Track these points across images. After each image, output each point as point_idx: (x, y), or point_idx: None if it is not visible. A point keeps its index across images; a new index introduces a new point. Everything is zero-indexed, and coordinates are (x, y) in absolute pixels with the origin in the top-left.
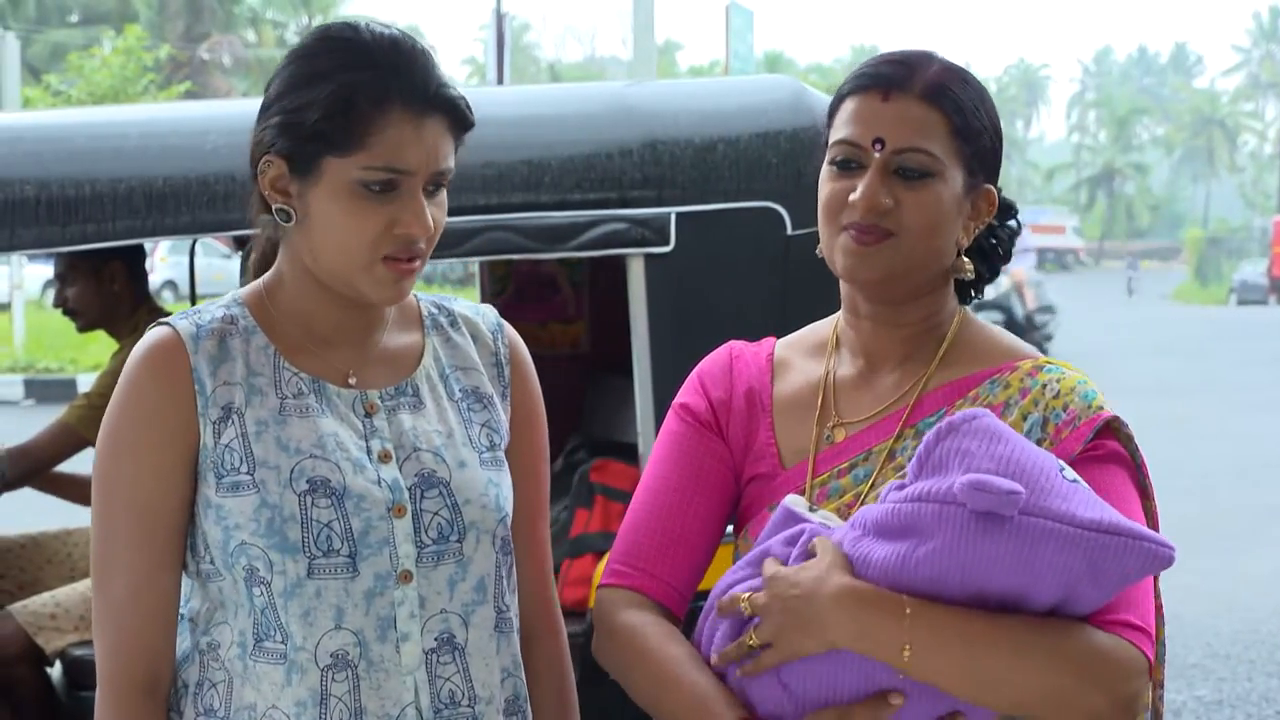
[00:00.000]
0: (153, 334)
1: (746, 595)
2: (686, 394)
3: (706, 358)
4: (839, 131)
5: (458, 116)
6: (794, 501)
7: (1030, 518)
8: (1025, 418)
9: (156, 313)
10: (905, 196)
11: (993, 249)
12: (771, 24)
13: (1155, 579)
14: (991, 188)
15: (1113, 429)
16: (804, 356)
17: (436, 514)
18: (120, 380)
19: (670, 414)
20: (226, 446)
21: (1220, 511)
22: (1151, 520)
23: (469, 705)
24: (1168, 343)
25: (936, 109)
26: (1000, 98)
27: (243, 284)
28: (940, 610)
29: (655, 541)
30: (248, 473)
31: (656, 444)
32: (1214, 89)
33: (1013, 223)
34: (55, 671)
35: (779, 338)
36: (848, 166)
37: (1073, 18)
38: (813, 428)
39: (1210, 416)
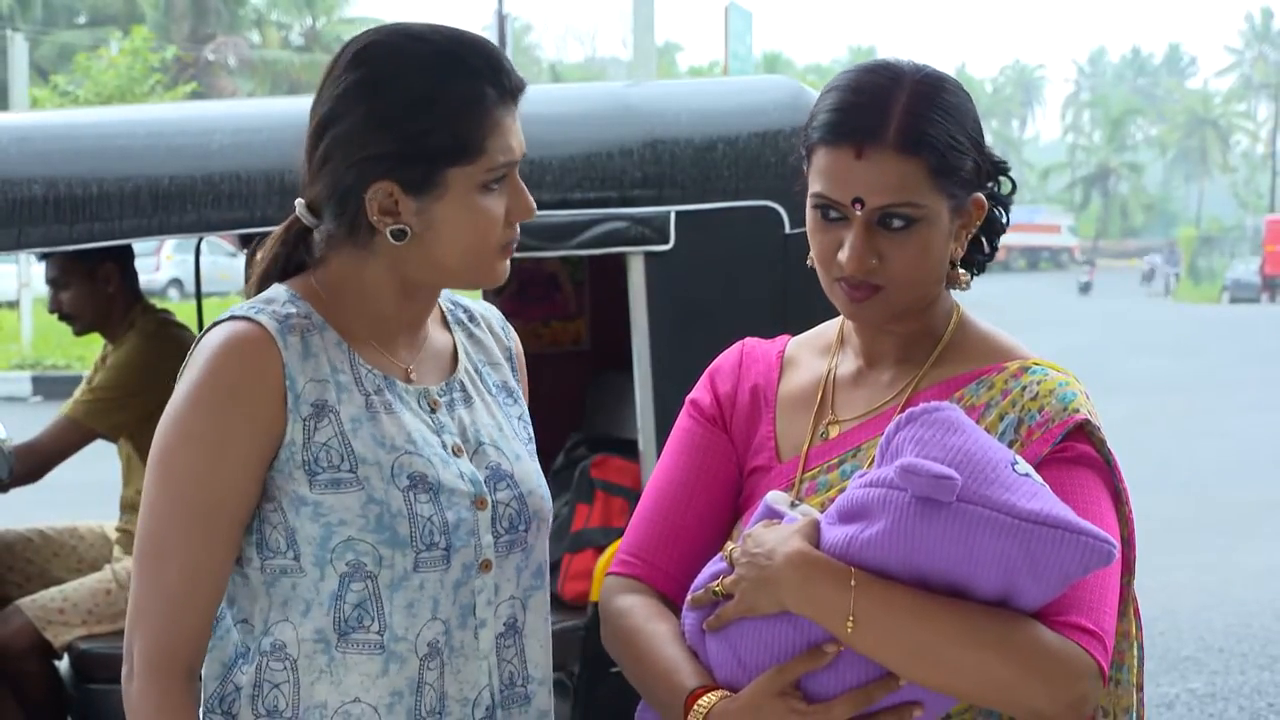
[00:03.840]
0: (235, 326)
1: (719, 583)
2: (697, 390)
3: (721, 354)
4: (816, 182)
5: (523, 95)
6: (774, 498)
7: (969, 505)
8: (1002, 418)
9: (151, 311)
10: (890, 249)
11: (992, 232)
12: (770, 25)
13: (1127, 588)
14: (979, 196)
15: (1085, 432)
16: (812, 354)
17: (508, 505)
18: (201, 371)
19: (682, 410)
20: (323, 445)
21: (1214, 507)
22: (1125, 524)
23: (523, 685)
24: (1161, 341)
25: (913, 157)
26: (996, 98)
27: (255, 288)
28: (886, 586)
29: (657, 533)
30: (349, 470)
31: (668, 439)
32: (1207, 90)
33: (994, 209)
34: (63, 665)
35: (779, 336)
36: (829, 216)
37: (1067, 19)
38: (810, 423)
39: (1204, 414)
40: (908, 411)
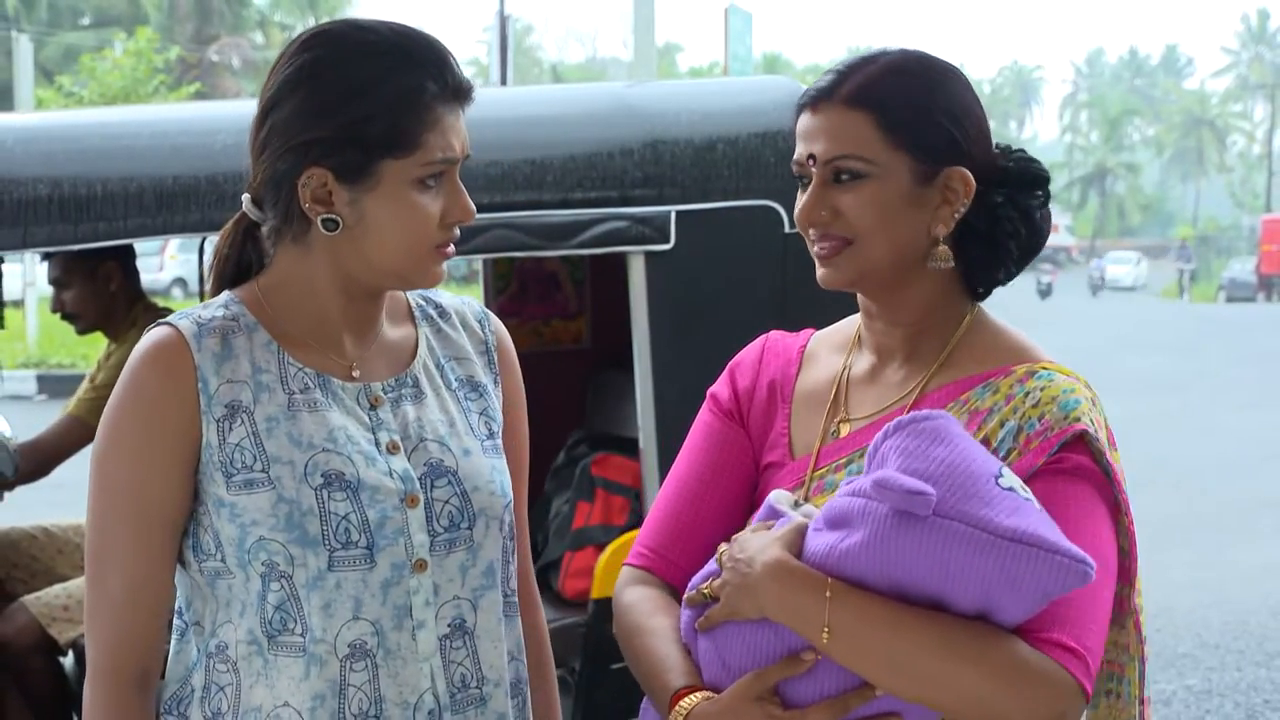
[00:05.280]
0: (154, 333)
1: (708, 585)
2: (717, 384)
3: (745, 348)
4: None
5: (470, 100)
6: (777, 497)
7: (945, 520)
8: (1003, 425)
9: (153, 309)
10: (843, 201)
11: (1001, 232)
12: (770, 26)
13: (1127, 600)
14: (960, 169)
15: (1084, 442)
16: (831, 350)
17: (447, 502)
18: (121, 378)
19: (704, 404)
20: (236, 445)
21: (1210, 505)
22: (1125, 535)
23: (477, 687)
24: (1159, 339)
25: (860, 110)
26: (994, 98)
27: (212, 289)
28: (862, 597)
29: (671, 527)
30: (262, 470)
31: (689, 432)
32: (1204, 90)
33: (1009, 206)
34: (68, 661)
35: (804, 330)
36: (803, 183)
37: (1065, 20)
38: (823, 421)
39: (1200, 412)
40: (896, 420)
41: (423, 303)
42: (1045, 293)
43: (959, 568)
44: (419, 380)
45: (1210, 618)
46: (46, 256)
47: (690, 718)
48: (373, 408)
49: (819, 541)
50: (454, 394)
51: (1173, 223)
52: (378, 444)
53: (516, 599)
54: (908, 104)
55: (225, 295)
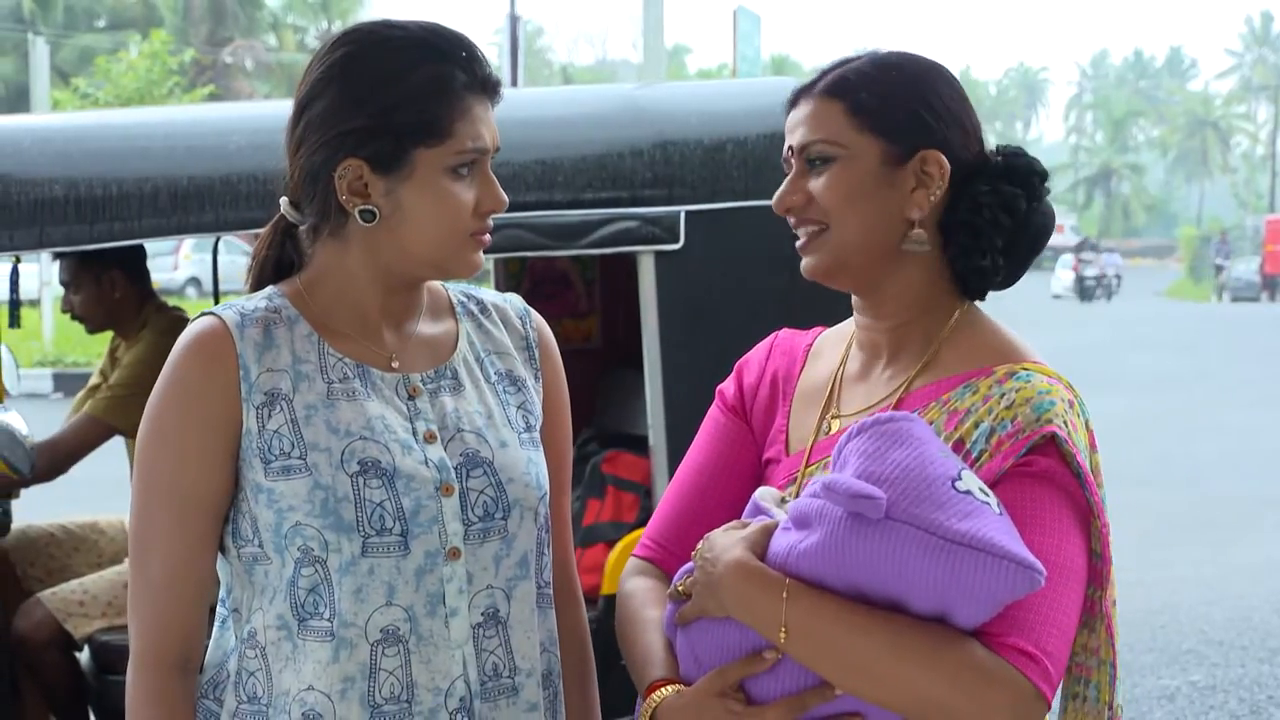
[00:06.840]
0: (199, 323)
1: (682, 582)
2: (726, 380)
3: (757, 345)
4: None
5: (499, 96)
6: (762, 495)
7: (897, 523)
8: (977, 426)
9: (163, 310)
10: (815, 186)
11: (980, 219)
12: (778, 28)
13: (1098, 603)
14: (935, 152)
15: (1055, 444)
16: (833, 347)
17: (482, 492)
18: (165, 366)
19: (714, 401)
20: (275, 432)
21: (1213, 503)
22: (1097, 538)
23: (509, 677)
24: (1162, 338)
25: (832, 99)
26: (1000, 100)
27: (251, 290)
28: (819, 598)
29: (675, 520)
30: (299, 456)
31: (700, 428)
32: (1208, 92)
33: (991, 195)
34: (84, 656)
35: (785, 331)
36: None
37: (1070, 22)
38: (818, 417)
39: (1203, 410)
40: (860, 422)
41: (464, 299)
42: (1089, 294)
43: (911, 570)
44: (458, 372)
45: (1214, 614)
46: (58, 257)
47: (659, 710)
48: (411, 398)
49: (781, 541)
50: (493, 387)
51: (1176, 223)
52: (415, 433)
53: (552, 591)
54: (876, 90)
55: (269, 289)
